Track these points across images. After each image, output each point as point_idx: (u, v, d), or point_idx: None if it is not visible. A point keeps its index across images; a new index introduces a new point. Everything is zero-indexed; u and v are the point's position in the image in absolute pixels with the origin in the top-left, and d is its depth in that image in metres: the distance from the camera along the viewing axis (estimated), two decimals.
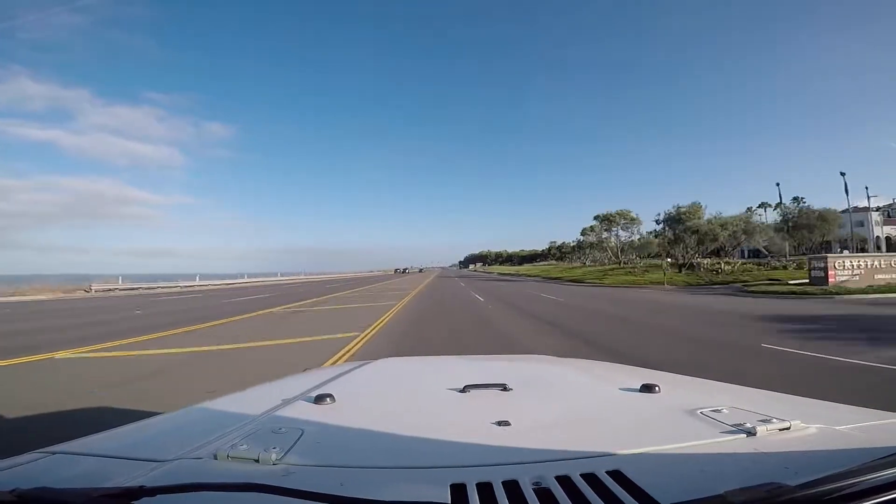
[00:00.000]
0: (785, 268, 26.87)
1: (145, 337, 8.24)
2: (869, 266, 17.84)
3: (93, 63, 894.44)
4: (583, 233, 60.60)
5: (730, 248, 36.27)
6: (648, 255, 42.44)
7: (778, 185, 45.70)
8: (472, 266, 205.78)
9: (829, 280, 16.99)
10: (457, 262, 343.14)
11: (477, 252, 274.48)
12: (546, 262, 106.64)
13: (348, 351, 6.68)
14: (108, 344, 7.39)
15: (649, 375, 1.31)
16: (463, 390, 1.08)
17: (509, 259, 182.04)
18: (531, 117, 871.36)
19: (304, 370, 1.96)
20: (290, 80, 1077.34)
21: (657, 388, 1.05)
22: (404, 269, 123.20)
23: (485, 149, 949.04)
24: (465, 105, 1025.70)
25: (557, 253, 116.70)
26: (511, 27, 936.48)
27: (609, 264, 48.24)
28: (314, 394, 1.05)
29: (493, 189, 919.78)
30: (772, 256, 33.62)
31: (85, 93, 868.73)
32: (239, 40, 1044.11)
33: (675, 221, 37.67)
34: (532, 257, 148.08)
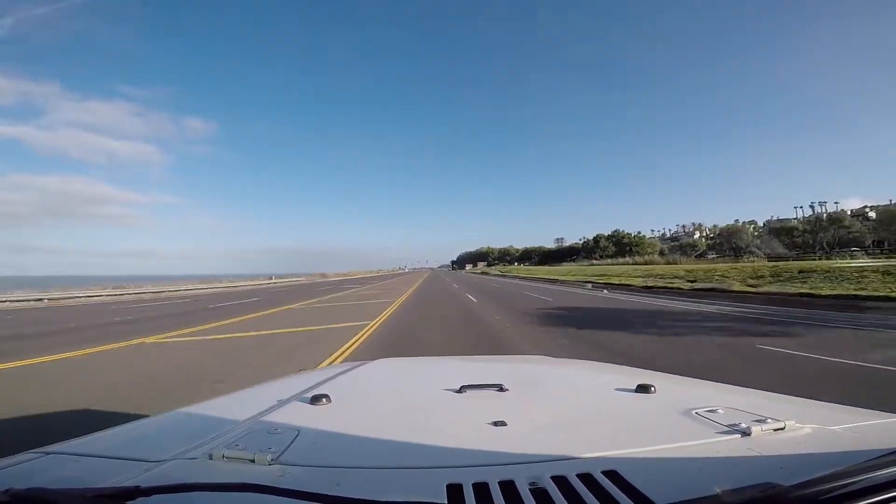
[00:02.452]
0: None
1: None
2: None
3: (63, 56, 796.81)
4: None
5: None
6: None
7: None
8: (468, 267, 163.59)
9: None
10: (449, 263, 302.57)
11: (474, 250, 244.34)
12: (601, 261, 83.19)
13: None
14: None
15: (645, 376, 1.30)
16: (459, 391, 1.07)
17: (527, 256, 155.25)
18: (522, 109, 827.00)
19: (300, 370, 1.78)
20: (272, 75, 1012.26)
21: (653, 389, 1.05)
22: None
23: (475, 145, 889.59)
24: (449, 102, 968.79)
25: (612, 247, 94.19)
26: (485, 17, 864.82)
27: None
28: (310, 394, 1.04)
29: (485, 185, 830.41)
30: None
31: (55, 87, 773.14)
32: (217, 33, 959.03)
33: None
34: (565, 254, 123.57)
